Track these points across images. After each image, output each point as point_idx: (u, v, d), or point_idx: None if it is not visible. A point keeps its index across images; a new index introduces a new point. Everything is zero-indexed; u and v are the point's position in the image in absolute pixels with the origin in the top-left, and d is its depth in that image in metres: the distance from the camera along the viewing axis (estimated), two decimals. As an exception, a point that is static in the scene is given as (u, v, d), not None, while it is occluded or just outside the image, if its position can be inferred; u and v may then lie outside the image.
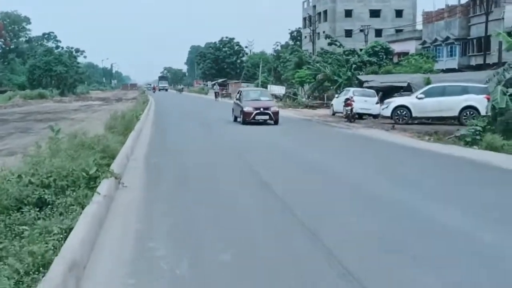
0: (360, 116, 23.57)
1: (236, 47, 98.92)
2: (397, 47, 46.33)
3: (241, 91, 22.93)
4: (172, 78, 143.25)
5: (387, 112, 21.16)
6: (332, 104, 27.37)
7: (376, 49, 42.39)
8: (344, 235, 5.22)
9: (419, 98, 20.41)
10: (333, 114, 26.62)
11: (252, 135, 16.47)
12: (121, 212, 6.08)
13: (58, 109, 46.15)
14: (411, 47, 50.04)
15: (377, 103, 24.16)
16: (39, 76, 74.82)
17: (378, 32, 69.14)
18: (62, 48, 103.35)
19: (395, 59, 44.17)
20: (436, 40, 44.63)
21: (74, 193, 5.42)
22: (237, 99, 22.47)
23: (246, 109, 20.49)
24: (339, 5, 74.86)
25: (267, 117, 20.57)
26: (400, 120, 20.50)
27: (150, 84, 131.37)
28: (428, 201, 6.88)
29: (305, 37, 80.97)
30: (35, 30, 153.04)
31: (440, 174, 9.50)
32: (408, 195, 7.30)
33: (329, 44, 48.35)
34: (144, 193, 7.17)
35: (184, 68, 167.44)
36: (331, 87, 39.48)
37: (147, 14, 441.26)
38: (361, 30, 68.21)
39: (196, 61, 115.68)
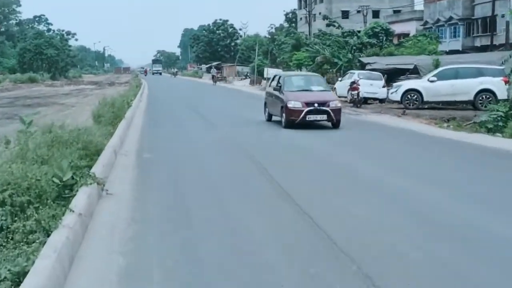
0: (366, 100, 22.18)
1: (230, 30, 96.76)
2: (397, 28, 44.79)
3: (280, 77, 15.85)
4: (165, 61, 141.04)
5: (397, 97, 19.81)
6: (335, 88, 25.95)
7: (376, 30, 40.93)
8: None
9: (431, 81, 19.05)
10: (337, 98, 25.21)
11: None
12: (103, 238, 4.60)
13: (49, 93, 44.83)
14: (411, 28, 48.55)
15: (383, 86, 22.80)
16: (30, 59, 72.77)
17: (376, 13, 67.56)
18: (54, 31, 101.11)
19: (395, 41, 42.75)
20: (438, 20, 43.14)
21: (38, 213, 4.06)
22: (275, 89, 15.31)
23: (291, 104, 13.75)
24: (336, -15, 73.06)
25: (324, 116, 13.82)
26: (411, 105, 19.17)
27: (143, 68, 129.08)
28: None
29: (301, 18, 79.18)
30: (26, 13, 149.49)
31: (486, 175, 7.90)
32: (473, 213, 5.66)
33: (327, 25, 46.82)
34: (134, 204, 5.75)
35: (178, 52, 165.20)
36: (330, 70, 38.10)
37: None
38: (358, 11, 66.65)
39: (189, 44, 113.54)
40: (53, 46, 74.62)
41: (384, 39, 39.82)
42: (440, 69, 20.02)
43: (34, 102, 31.08)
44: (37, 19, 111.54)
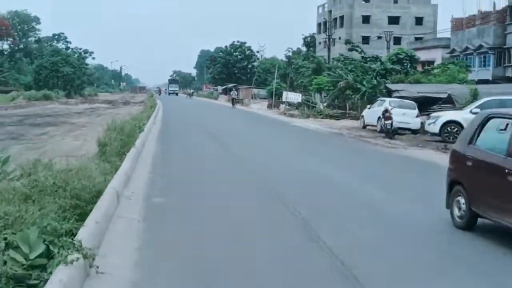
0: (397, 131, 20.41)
1: (248, 52, 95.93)
2: (421, 55, 43.12)
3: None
4: (181, 82, 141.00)
5: (435, 128, 18.00)
6: (362, 116, 24.21)
7: (400, 56, 39.34)
8: None
9: (474, 113, 17.22)
10: (364, 127, 23.45)
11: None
12: None
13: (62, 111, 43.94)
14: (436, 55, 46.87)
15: (417, 116, 21.00)
16: (46, 76, 72.51)
17: (397, 40, 66.27)
18: (71, 49, 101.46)
19: (419, 68, 41.04)
20: (467, 48, 41.36)
21: None
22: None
23: None
24: (357, 10, 72.02)
25: None
26: (451, 138, 17.32)
27: (158, 88, 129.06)
28: None
29: (319, 43, 78.13)
30: (46, 31, 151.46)
31: None
32: None
33: (350, 50, 45.48)
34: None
35: (193, 72, 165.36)
36: (353, 96, 36.47)
37: (157, 18, 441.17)
38: (379, 37, 65.42)
39: (206, 65, 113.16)
40: (69, 64, 74.31)
41: (408, 66, 38.22)
42: (483, 100, 18.19)
43: (45, 121, 29.86)
44: (56, 37, 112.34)
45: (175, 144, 15.30)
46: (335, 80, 39.22)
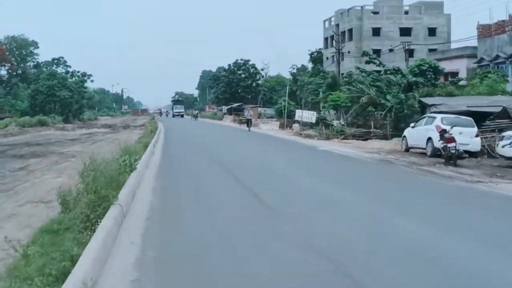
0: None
1: (252, 70, 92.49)
2: (444, 66, 39.35)
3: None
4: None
5: (510, 152, 14.01)
6: (404, 137, 20.23)
7: (423, 67, 35.69)
8: None
9: None
10: (407, 149, 19.46)
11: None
12: None
13: (56, 138, 40.51)
14: (460, 65, 43.17)
15: (476, 135, 17.03)
16: (42, 101, 69.09)
17: (410, 52, 62.81)
18: (70, 72, 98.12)
19: (441, 80, 37.29)
20: (497, 57, 37.56)
21: None
22: None
23: None
24: (366, 23, 68.67)
25: None
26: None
27: (159, 110, 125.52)
28: None
29: (327, 58, 74.79)
30: (45, 55, 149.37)
31: None
32: None
33: (367, 62, 41.82)
34: None
35: (195, 93, 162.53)
36: (376, 112, 32.69)
37: (158, 40, 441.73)
38: (390, 50, 62.05)
39: (209, 85, 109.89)
40: (66, 87, 70.81)
41: (431, 78, 34.57)
42: None
43: (31, 151, 26.15)
44: (55, 61, 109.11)
45: (183, 195, 10.07)
46: (356, 95, 35.48)
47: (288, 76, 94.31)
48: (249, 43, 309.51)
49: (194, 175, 12.82)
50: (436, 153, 16.64)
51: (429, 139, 16.86)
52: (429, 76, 34.94)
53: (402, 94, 30.57)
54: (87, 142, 35.61)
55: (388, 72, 36.38)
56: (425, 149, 17.57)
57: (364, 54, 42.24)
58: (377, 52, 66.79)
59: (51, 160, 21.70)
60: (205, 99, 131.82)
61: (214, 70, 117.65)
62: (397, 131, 26.62)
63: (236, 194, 9.91)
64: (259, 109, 78.04)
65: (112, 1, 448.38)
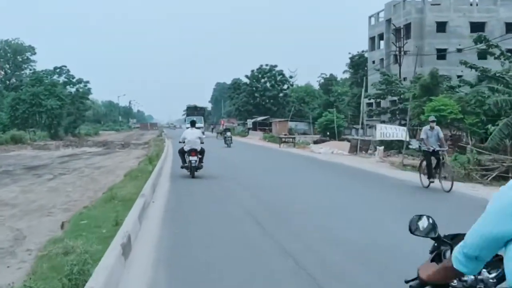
0: None
1: (279, 77, 78.27)
2: None
3: None
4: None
5: None
6: None
7: None
8: None
9: None
10: None
11: None
12: None
13: (20, 162, 27.38)
14: None
15: None
16: (23, 112, 55.46)
17: (481, 55, 47.85)
18: (69, 80, 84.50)
19: None
20: None
21: None
22: None
23: None
24: (429, 16, 54.41)
25: None
26: None
27: (173, 124, 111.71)
28: None
29: (373, 62, 60.60)
30: (47, 64, 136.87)
31: None
32: None
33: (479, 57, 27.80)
34: None
35: (209, 106, 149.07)
36: None
37: (171, 53, 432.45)
38: (459, 50, 47.77)
39: (227, 95, 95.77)
40: (55, 95, 57.07)
41: None
42: None
43: None
44: (58, 70, 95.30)
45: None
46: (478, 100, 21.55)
47: (316, 86, 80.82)
48: (267, 52, 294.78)
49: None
50: None
51: None
52: None
53: None
54: (57, 170, 22.56)
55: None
56: None
57: (459, 50, 28.27)
58: (442, 51, 52.82)
59: None
60: (220, 112, 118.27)
61: (228, 82, 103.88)
62: None
63: None
64: (290, 123, 64.07)
65: (122, 15, 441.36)
